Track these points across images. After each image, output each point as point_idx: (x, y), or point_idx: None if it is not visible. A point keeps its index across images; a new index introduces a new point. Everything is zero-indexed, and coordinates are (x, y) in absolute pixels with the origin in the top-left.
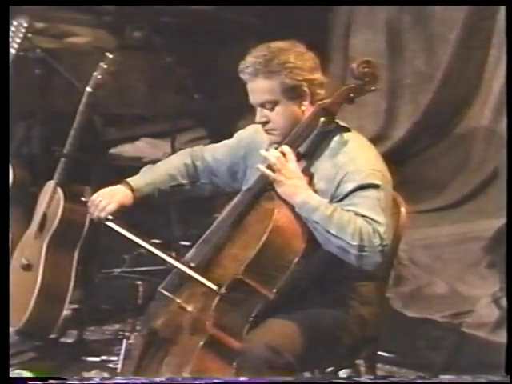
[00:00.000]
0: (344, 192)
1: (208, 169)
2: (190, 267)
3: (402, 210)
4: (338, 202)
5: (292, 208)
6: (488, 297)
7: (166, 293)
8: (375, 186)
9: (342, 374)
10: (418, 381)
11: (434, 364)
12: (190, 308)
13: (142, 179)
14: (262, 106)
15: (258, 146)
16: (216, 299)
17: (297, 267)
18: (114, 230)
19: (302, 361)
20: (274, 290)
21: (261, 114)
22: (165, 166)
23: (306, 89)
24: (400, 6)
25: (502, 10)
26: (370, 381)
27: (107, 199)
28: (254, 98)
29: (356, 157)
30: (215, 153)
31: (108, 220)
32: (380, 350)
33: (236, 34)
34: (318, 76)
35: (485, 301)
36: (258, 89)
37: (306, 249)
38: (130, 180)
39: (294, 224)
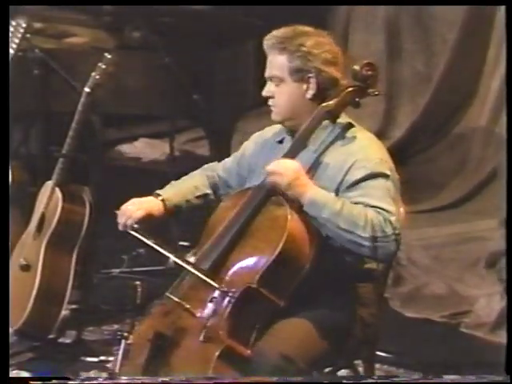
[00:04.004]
0: (353, 179)
1: (223, 180)
2: (204, 273)
3: (401, 210)
4: (346, 189)
5: (301, 213)
6: (486, 297)
7: (172, 296)
8: (385, 176)
9: (341, 374)
10: (417, 381)
11: (432, 364)
12: (198, 314)
13: (170, 190)
14: (271, 80)
15: (261, 148)
16: (229, 307)
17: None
18: (138, 239)
19: (311, 365)
20: (284, 298)
21: (268, 87)
22: (188, 178)
23: (312, 77)
24: (399, 6)
25: (501, 10)
26: (368, 381)
27: (136, 206)
28: (266, 71)
29: (365, 145)
30: (225, 164)
31: (134, 229)
32: (378, 350)
33: (235, 34)
34: (331, 70)
35: (483, 301)
36: (271, 62)
37: (315, 255)
38: (159, 191)
39: (305, 231)
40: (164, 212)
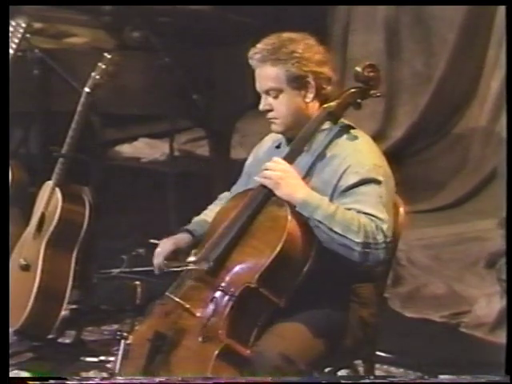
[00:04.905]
0: (345, 185)
1: None
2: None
3: (401, 210)
4: (339, 194)
5: (301, 214)
6: (486, 297)
7: (172, 296)
8: (377, 182)
9: (341, 374)
10: (417, 381)
11: (432, 364)
12: (198, 313)
13: (195, 221)
14: (267, 93)
15: (259, 157)
16: (228, 307)
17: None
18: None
19: (310, 365)
20: (284, 298)
21: (265, 101)
22: (208, 211)
23: (311, 81)
24: (399, 6)
25: (501, 10)
26: (369, 381)
27: (162, 245)
28: (259, 85)
29: (359, 150)
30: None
31: (166, 265)
32: (378, 350)
33: (235, 34)
34: (325, 70)
35: (483, 301)
36: (264, 75)
37: (315, 256)
38: (187, 226)
39: (305, 231)
40: (194, 241)
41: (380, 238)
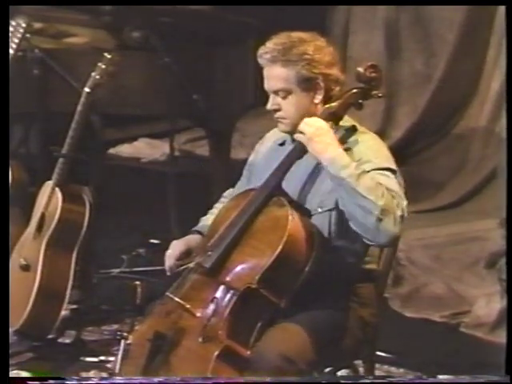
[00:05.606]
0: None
1: None
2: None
3: None
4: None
5: (302, 214)
6: (486, 297)
7: (172, 296)
8: (393, 171)
9: (341, 374)
10: (417, 381)
11: (432, 364)
12: (199, 314)
13: (203, 221)
14: (276, 93)
15: (262, 154)
16: (229, 308)
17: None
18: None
19: (311, 366)
20: (285, 299)
21: (273, 101)
22: (214, 209)
23: (321, 82)
24: (398, 5)
25: (501, 10)
26: (368, 381)
27: (172, 246)
28: (268, 85)
29: (371, 145)
30: (239, 183)
31: (178, 266)
32: (378, 350)
33: (235, 34)
34: (334, 72)
35: (483, 301)
36: (274, 76)
37: (315, 257)
38: (195, 227)
39: (305, 232)
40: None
41: (399, 212)
